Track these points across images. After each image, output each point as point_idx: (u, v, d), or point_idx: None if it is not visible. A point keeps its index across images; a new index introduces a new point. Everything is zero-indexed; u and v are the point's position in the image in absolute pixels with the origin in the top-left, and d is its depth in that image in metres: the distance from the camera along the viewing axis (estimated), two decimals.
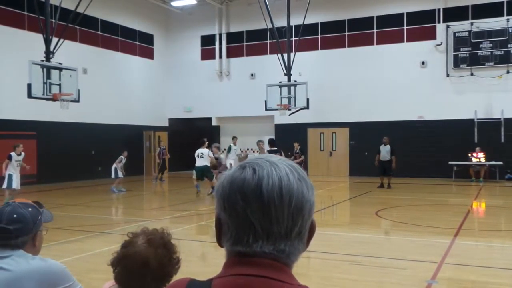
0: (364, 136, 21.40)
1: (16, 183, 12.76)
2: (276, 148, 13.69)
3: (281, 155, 12.64)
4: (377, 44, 22.13)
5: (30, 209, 2.23)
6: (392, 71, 21.41)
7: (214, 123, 25.37)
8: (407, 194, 16.07)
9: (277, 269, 0.98)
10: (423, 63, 21.26)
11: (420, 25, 21.45)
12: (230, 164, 16.37)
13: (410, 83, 21.14)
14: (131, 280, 2.01)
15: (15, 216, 2.16)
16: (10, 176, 12.77)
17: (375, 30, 22.18)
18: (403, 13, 21.69)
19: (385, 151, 17.04)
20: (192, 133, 24.10)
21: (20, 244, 2.17)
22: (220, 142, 25.34)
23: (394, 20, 21.81)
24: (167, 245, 2.10)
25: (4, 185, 12.78)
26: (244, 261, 0.99)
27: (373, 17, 22.17)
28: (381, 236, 9.68)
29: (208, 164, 14.65)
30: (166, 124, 26.25)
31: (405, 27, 21.70)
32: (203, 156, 14.71)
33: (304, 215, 1.00)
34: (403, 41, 21.70)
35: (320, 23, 23.01)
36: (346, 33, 22.68)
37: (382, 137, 17.34)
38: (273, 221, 0.97)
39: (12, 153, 12.90)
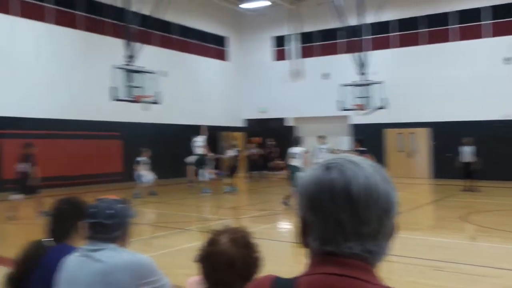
0: (446, 136, 20.46)
1: (146, 179, 15.39)
2: (365, 148, 13.25)
3: (370, 155, 12.16)
4: (456, 40, 21.09)
5: (121, 205, 2.39)
6: (474, 68, 20.30)
7: (288, 123, 25.38)
8: (494, 198, 15.12)
9: (363, 269, 0.99)
10: (507, 59, 19.98)
11: (502, 19, 20.18)
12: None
13: (494, 80, 19.92)
14: (217, 278, 2.04)
15: (110, 212, 2.31)
16: (140, 175, 15.40)
17: (453, 26, 21.17)
18: (483, 7, 20.50)
19: (467, 152, 16.20)
20: (267, 133, 24.26)
21: (114, 238, 2.32)
22: None
23: (474, 14, 20.68)
24: (250, 244, 2.13)
25: (141, 181, 15.37)
26: (331, 260, 0.99)
27: (451, 12, 21.18)
28: (466, 242, 9.17)
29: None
30: (242, 124, 26.62)
31: (486, 22, 20.50)
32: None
33: (390, 216, 1.02)
34: (485, 36, 20.52)
35: (395, 20, 22.33)
36: (424, 30, 21.83)
37: (464, 137, 16.51)
38: (362, 222, 0.98)
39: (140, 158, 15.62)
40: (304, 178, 1.05)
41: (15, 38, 16.64)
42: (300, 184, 1.05)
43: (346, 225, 0.98)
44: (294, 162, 12.17)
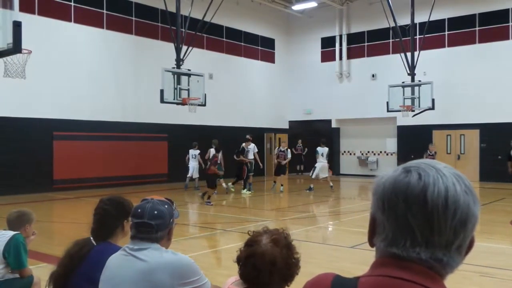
0: (497, 138, 19.74)
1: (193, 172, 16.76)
2: None
3: None
4: (508, 39, 20.28)
5: (166, 206, 2.43)
6: None
7: (333, 125, 25.18)
8: None
9: (430, 277, 0.95)
10: None
11: None
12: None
13: None
14: (259, 278, 2.08)
15: (155, 212, 2.35)
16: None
17: (511, 24, 20.37)
18: None
19: None
20: (312, 135, 24.16)
21: (158, 238, 2.37)
22: (340, 144, 25.13)
23: None
24: (290, 245, 2.17)
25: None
26: (397, 263, 0.97)
27: (508, 9, 20.40)
28: None
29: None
30: (286, 126, 26.63)
31: None
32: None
33: (467, 229, 0.97)
34: None
35: (448, 18, 21.73)
36: (477, 28, 21.14)
37: None
38: (435, 231, 0.94)
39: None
40: (382, 178, 1.02)
41: (72, 44, 17.28)
42: (376, 183, 1.02)
43: (416, 232, 0.94)
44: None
